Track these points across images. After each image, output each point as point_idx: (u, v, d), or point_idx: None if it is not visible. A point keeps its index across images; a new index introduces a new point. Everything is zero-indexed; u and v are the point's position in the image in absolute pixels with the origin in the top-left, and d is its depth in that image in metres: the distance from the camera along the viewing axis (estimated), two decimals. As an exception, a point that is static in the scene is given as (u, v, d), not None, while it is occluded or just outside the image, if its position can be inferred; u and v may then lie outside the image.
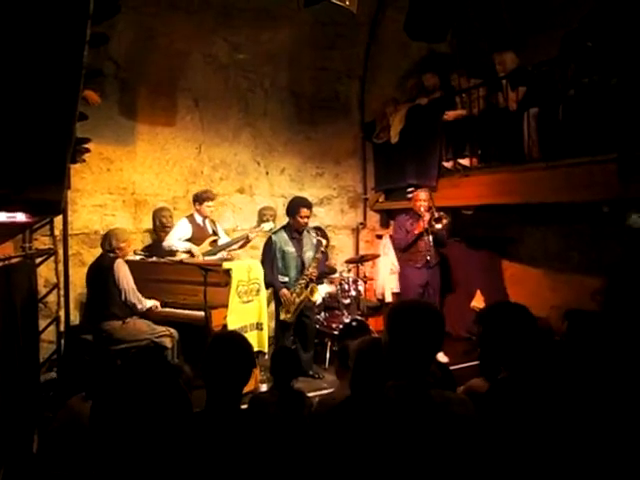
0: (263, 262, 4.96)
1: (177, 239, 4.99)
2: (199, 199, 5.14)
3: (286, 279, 4.92)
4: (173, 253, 4.90)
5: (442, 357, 4.94)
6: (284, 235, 4.98)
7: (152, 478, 1.35)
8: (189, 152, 6.06)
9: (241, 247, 5.24)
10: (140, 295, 4.41)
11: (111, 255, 4.42)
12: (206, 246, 5.05)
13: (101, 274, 4.40)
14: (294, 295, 4.86)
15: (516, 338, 1.87)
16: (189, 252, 4.94)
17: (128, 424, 1.32)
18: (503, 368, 1.91)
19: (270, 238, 5.03)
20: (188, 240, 5.02)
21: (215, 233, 5.25)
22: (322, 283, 5.66)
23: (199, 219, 5.16)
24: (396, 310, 1.75)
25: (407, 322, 1.65)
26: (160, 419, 1.36)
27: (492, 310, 2.05)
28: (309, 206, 5.01)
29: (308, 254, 4.97)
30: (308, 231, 5.11)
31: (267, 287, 4.96)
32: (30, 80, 1.67)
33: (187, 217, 5.17)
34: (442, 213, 5.16)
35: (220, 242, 5.19)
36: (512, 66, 4.97)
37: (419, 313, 1.68)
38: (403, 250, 5.49)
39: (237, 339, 1.90)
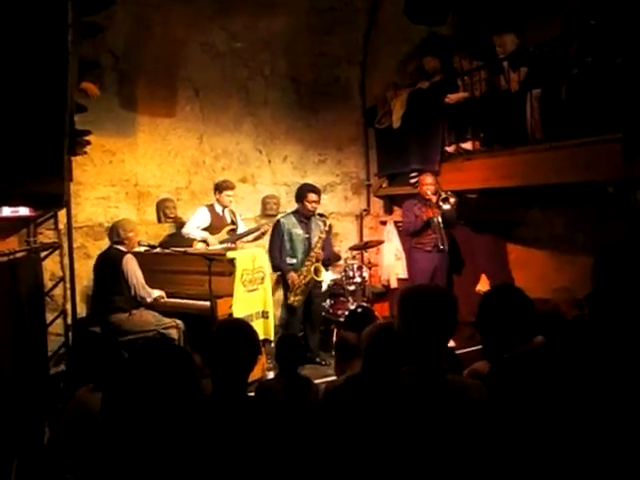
0: (271, 245, 5.10)
1: (195, 227, 5.08)
2: (219, 188, 5.20)
3: (294, 261, 5.06)
4: (191, 241, 4.99)
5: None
6: (292, 219, 5.13)
7: (162, 465, 1.36)
8: (190, 142, 6.04)
9: (257, 239, 5.27)
10: (149, 288, 4.43)
11: (120, 247, 4.43)
12: (223, 235, 5.12)
13: (108, 267, 4.41)
14: (301, 277, 4.95)
15: (512, 320, 1.88)
16: (204, 241, 5.01)
17: (139, 413, 1.33)
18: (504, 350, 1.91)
19: (278, 221, 5.17)
20: (206, 229, 5.09)
21: (234, 223, 5.30)
22: (327, 270, 5.68)
23: (219, 208, 5.22)
24: (408, 296, 1.73)
25: (420, 308, 1.64)
26: (172, 407, 1.36)
27: (489, 295, 2.07)
28: (317, 191, 5.17)
29: (315, 238, 5.07)
30: (315, 217, 5.21)
31: (275, 270, 5.03)
32: (16, 69, 1.66)
33: (207, 206, 5.24)
34: (449, 192, 5.13)
35: (238, 232, 5.25)
36: (512, 48, 4.92)
37: (431, 298, 1.66)
38: (412, 235, 5.48)
39: (241, 326, 1.90)
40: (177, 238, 5.24)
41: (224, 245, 4.99)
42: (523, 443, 1.64)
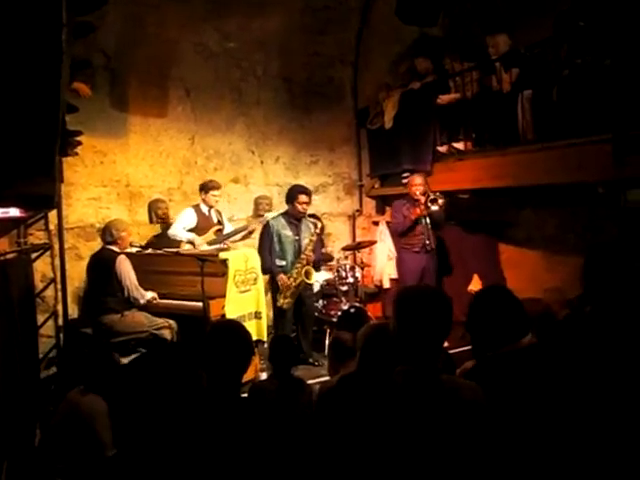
0: (261, 247, 5.04)
1: (182, 228, 5.06)
2: (205, 188, 5.19)
3: (283, 263, 4.99)
4: (177, 242, 4.97)
5: (441, 342, 4.98)
6: (282, 220, 5.06)
7: (158, 464, 1.36)
8: (182, 143, 6.02)
9: (244, 238, 5.27)
10: (142, 290, 4.41)
11: (112, 248, 4.41)
12: (210, 235, 5.13)
13: (101, 268, 4.39)
14: (291, 279, 4.91)
15: (500, 320, 1.92)
16: (191, 242, 4.99)
17: (149, 414, 1.32)
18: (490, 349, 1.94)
19: (268, 223, 5.10)
20: (193, 229, 5.08)
21: (220, 223, 5.29)
22: (319, 271, 5.67)
23: (204, 209, 5.21)
24: (404, 296, 1.73)
25: (415, 308, 1.64)
26: (181, 408, 1.35)
27: (478, 295, 2.11)
28: (308, 193, 5.09)
29: (306, 240, 5.01)
30: (306, 218, 5.16)
31: (265, 273, 5.00)
32: (8, 69, 1.64)
33: (193, 206, 5.23)
34: (438, 193, 5.14)
35: (225, 232, 5.24)
36: (505, 48, 4.94)
37: (427, 299, 1.67)
38: (400, 235, 5.50)
39: (235, 327, 1.90)
40: (164, 239, 5.19)
41: (215, 246, 4.98)
42: (500, 441, 1.65)
